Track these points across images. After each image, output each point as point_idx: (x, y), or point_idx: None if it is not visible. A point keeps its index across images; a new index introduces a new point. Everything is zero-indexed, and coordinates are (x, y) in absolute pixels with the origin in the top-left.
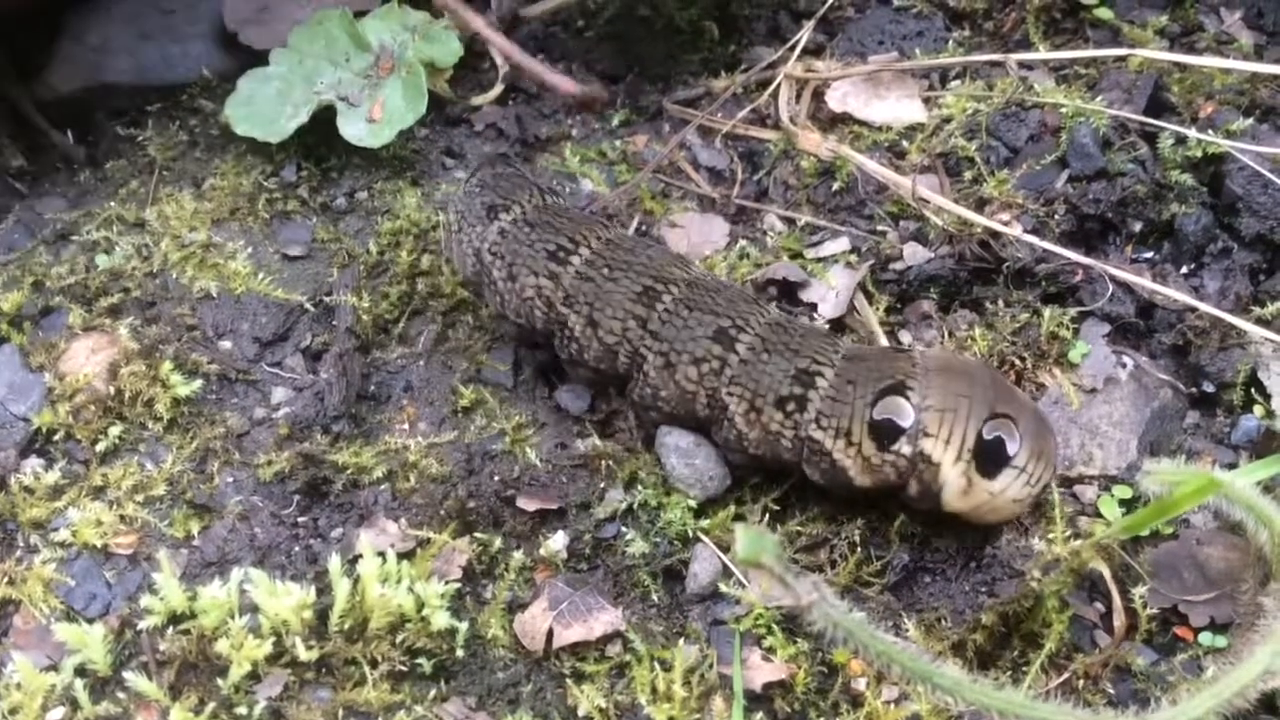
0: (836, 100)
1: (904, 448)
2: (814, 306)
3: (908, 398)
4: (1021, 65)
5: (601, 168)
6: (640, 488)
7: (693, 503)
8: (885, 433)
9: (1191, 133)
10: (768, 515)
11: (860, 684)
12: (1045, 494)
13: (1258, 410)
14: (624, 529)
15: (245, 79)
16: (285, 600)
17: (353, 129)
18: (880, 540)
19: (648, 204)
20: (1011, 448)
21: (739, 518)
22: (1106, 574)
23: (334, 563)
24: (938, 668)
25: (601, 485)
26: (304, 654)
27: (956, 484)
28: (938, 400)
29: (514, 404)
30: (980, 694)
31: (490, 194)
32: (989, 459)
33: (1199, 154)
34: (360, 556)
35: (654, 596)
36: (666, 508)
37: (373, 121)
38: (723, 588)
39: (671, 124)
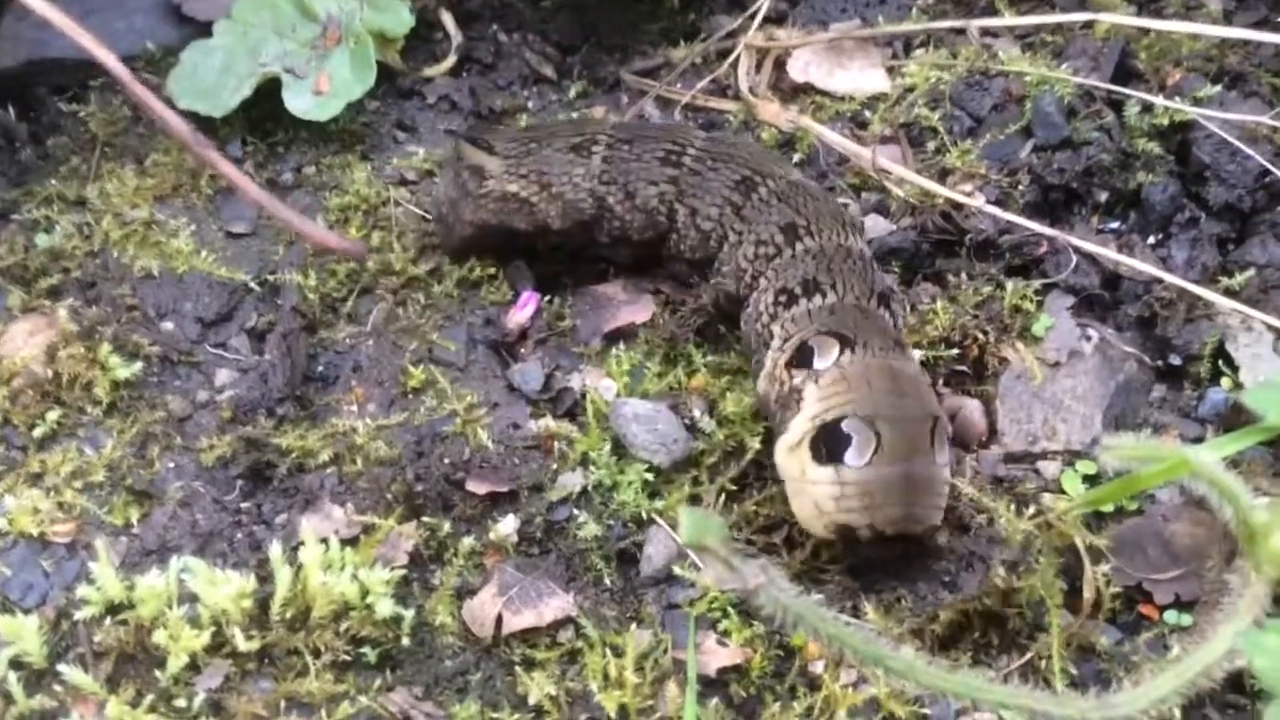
0: (798, 70)
1: (798, 379)
2: None
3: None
4: (986, 32)
5: None
6: (594, 467)
7: (649, 476)
8: (803, 356)
9: (1158, 100)
10: (724, 496)
11: (818, 667)
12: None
13: (1225, 383)
14: (576, 511)
15: (188, 51)
16: (224, 589)
17: (299, 102)
18: None
19: None
20: (851, 457)
21: (695, 499)
22: (1081, 547)
23: (275, 550)
24: (892, 651)
25: (554, 467)
26: (243, 644)
27: (789, 439)
28: (858, 370)
29: (466, 384)
30: (934, 677)
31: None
32: (827, 443)
33: (1166, 122)
34: (303, 543)
35: (607, 580)
36: (620, 488)
37: (319, 94)
38: (677, 570)
39: (629, 95)
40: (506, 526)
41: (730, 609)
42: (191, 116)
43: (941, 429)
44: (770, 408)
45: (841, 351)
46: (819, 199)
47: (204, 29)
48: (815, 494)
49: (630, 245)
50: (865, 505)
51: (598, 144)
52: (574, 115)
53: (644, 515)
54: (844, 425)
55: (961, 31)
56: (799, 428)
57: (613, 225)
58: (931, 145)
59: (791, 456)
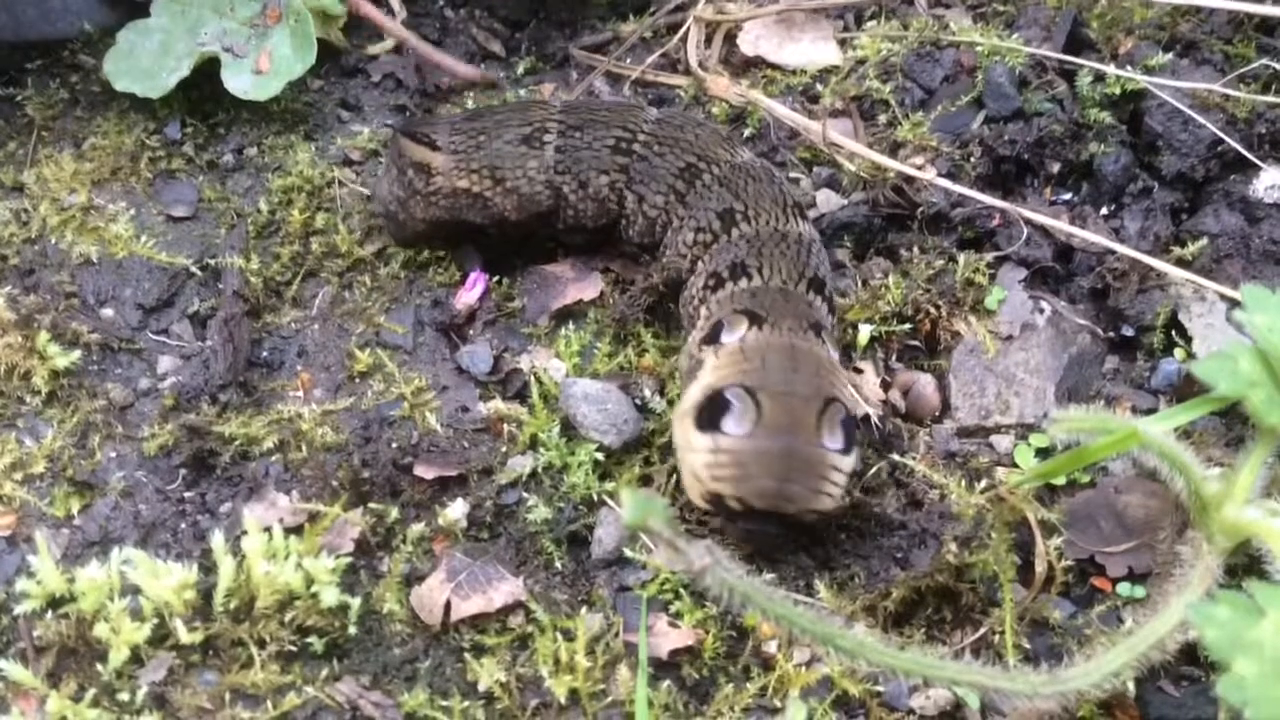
0: (749, 43)
1: (703, 352)
2: None
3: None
4: (938, 2)
5: None
6: (543, 449)
7: (600, 456)
8: (714, 333)
9: (1110, 69)
10: (675, 476)
11: (771, 647)
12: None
13: (1178, 354)
14: (526, 494)
15: (125, 31)
16: (166, 580)
17: (238, 81)
18: None
19: None
20: (729, 425)
21: (646, 480)
22: (1033, 521)
23: (217, 540)
24: (842, 629)
25: (504, 449)
26: (187, 636)
27: (682, 406)
28: (757, 345)
29: (413, 367)
30: (884, 655)
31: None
32: (710, 410)
33: (1118, 91)
34: (246, 533)
35: (558, 564)
36: (571, 469)
37: (259, 73)
38: (628, 553)
39: (578, 71)
40: (455, 511)
41: (682, 590)
42: (129, 98)
43: (834, 413)
44: (685, 382)
45: (749, 329)
46: (761, 181)
47: (141, 9)
48: (693, 461)
49: (585, 232)
50: (736, 475)
51: (549, 133)
52: (520, 95)
53: (594, 497)
54: (727, 393)
55: (912, 2)
56: (691, 396)
57: (568, 214)
58: (883, 118)
59: (680, 423)
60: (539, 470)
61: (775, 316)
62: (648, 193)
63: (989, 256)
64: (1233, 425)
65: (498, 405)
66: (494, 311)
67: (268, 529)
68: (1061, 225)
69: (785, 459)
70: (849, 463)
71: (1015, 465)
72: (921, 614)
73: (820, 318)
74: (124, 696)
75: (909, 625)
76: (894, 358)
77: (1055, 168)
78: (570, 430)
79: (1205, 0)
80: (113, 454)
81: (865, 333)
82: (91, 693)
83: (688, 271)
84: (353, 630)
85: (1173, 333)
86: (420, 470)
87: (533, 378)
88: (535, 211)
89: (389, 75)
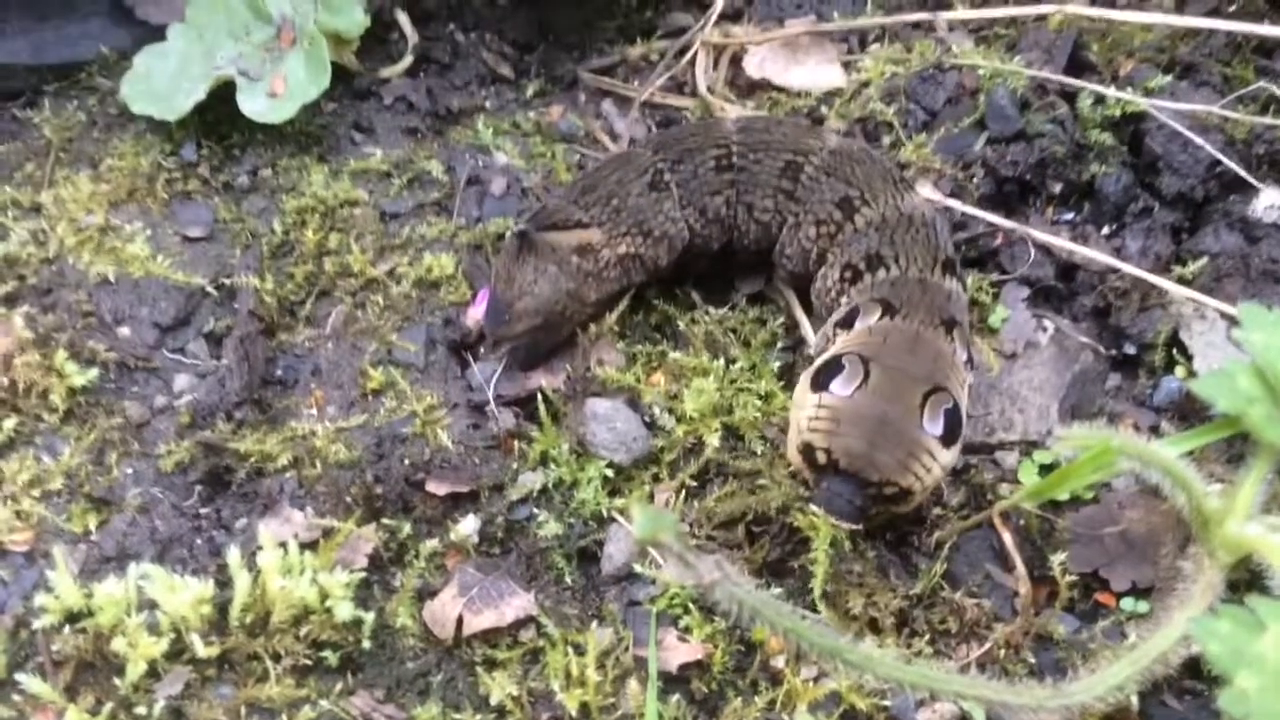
0: (754, 66)
1: (836, 334)
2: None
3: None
4: (950, 26)
5: (516, 140)
6: (554, 465)
7: (609, 473)
8: (849, 318)
9: (1110, 91)
10: (685, 492)
11: (779, 661)
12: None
13: (1179, 371)
14: (537, 510)
15: (142, 55)
16: (183, 595)
17: (253, 104)
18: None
19: (563, 176)
20: (836, 385)
21: (654, 497)
22: (1008, 540)
23: (233, 555)
24: (850, 644)
25: (514, 466)
26: (203, 650)
27: (806, 374)
28: (884, 328)
29: (425, 384)
30: (892, 669)
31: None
32: (823, 373)
33: (1118, 113)
34: (261, 548)
35: (568, 579)
36: (580, 486)
37: (274, 96)
38: (638, 568)
39: (587, 93)
40: (467, 527)
41: (691, 605)
42: (145, 120)
43: (940, 400)
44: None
45: (882, 317)
46: (865, 163)
47: (157, 32)
48: (797, 415)
49: (709, 258)
50: (829, 429)
51: (660, 171)
52: (530, 117)
53: (604, 513)
54: (842, 359)
55: (917, 26)
56: (814, 364)
57: (696, 243)
58: (887, 140)
59: (800, 387)
60: (549, 486)
61: (909, 308)
62: (756, 200)
63: (993, 275)
64: (1233, 442)
65: (508, 422)
66: None
67: (283, 544)
68: (1064, 244)
69: (879, 425)
70: (946, 454)
71: (1019, 482)
72: (923, 619)
73: (955, 311)
74: (141, 710)
75: (916, 636)
76: None
77: (1057, 188)
78: (580, 448)
79: (1204, 22)
80: (129, 470)
81: None
82: (109, 706)
83: (815, 264)
84: (366, 644)
85: (1174, 350)
86: (432, 486)
87: (541, 395)
88: (679, 250)
89: (400, 98)
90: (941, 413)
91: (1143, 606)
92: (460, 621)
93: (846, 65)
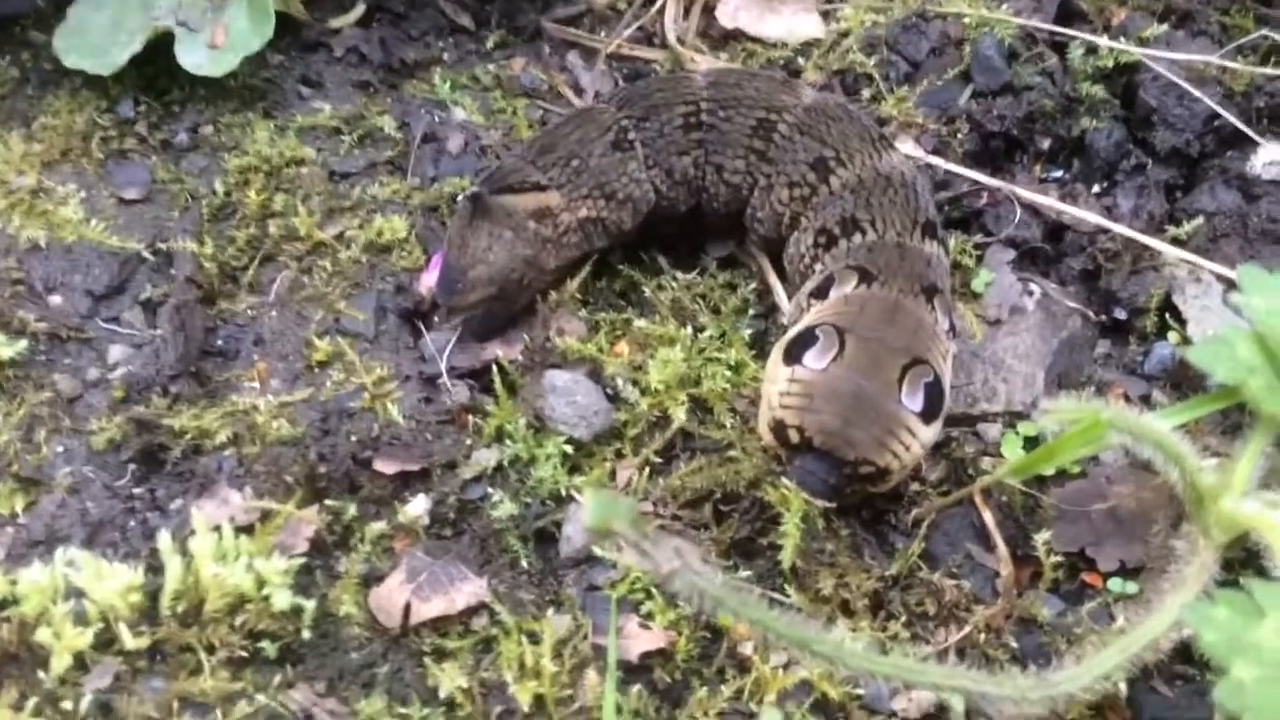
0: (727, 16)
1: (810, 303)
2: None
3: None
4: None
5: (475, 94)
6: (510, 441)
7: (569, 449)
8: (824, 286)
9: (1103, 41)
10: (649, 469)
11: (747, 648)
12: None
13: (1172, 337)
14: (491, 490)
15: (76, 6)
16: (111, 583)
17: (192, 57)
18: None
19: (524, 133)
20: (810, 358)
21: (616, 474)
22: (989, 518)
23: (164, 540)
24: (820, 633)
25: (468, 442)
26: (132, 641)
27: (778, 346)
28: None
29: (375, 356)
30: (864, 660)
31: None
32: (797, 345)
33: (1111, 64)
34: (194, 532)
35: (524, 562)
36: (538, 463)
37: (214, 48)
38: (598, 551)
39: (551, 45)
40: (417, 507)
41: (654, 590)
42: (80, 76)
43: (920, 373)
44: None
45: (858, 285)
46: (842, 120)
47: None
48: (768, 390)
49: (673, 222)
50: (802, 405)
51: (624, 129)
52: (490, 70)
53: (563, 492)
54: (816, 330)
55: None
56: (787, 336)
57: (662, 205)
58: (867, 93)
59: (772, 360)
60: (505, 464)
61: (888, 275)
62: (726, 160)
63: (977, 237)
64: (1229, 413)
65: (462, 396)
66: None
67: (217, 528)
68: (1052, 203)
69: (855, 401)
70: (926, 431)
71: (1002, 456)
72: (898, 600)
73: (936, 278)
74: (67, 705)
75: (892, 619)
76: None
77: (1045, 144)
78: (538, 422)
79: None
80: (60, 448)
81: None
82: (34, 701)
83: (788, 228)
84: (307, 634)
85: (1167, 315)
86: (380, 465)
87: (497, 367)
88: (644, 214)
89: (352, 49)
90: (921, 386)
91: (1131, 587)
92: (408, 609)
93: (825, 14)
